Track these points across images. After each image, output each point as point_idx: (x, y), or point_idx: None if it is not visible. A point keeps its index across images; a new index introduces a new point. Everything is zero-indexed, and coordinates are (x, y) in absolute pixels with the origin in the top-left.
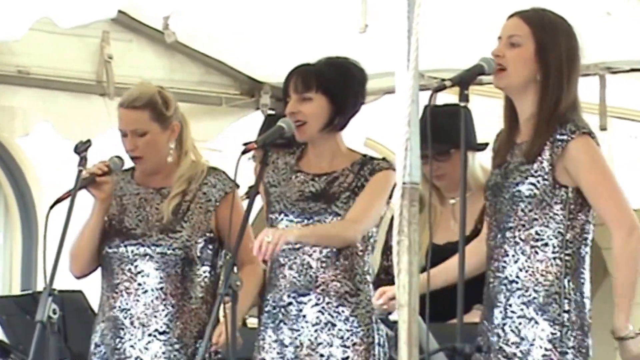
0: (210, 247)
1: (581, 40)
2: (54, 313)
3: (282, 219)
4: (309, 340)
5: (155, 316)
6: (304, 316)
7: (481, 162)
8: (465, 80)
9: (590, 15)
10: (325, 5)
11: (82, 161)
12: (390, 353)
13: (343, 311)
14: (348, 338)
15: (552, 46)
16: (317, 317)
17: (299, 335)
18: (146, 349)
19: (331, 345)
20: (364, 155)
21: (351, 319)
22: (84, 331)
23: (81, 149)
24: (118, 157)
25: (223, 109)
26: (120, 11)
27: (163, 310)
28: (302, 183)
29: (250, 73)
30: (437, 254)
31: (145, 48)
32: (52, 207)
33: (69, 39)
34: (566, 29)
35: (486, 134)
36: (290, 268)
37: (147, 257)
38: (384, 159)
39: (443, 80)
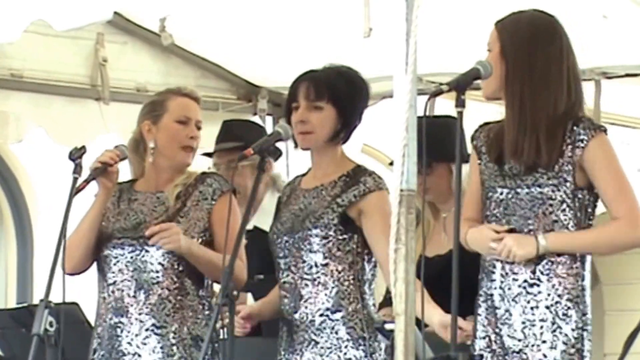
0: (205, 246)
1: (572, 36)
2: (51, 326)
3: (277, 240)
4: (338, 357)
5: (153, 310)
6: (337, 332)
7: (469, 172)
8: (462, 84)
9: (586, 19)
10: (323, 10)
11: (77, 168)
12: None
13: (325, 328)
14: (328, 355)
15: (512, 39)
16: (302, 337)
17: (330, 353)
18: (144, 344)
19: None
20: (356, 166)
21: (332, 335)
22: (80, 344)
23: (76, 155)
24: (124, 145)
25: (220, 114)
26: (115, 12)
27: (160, 305)
28: (295, 200)
29: (247, 77)
30: (426, 267)
31: (140, 51)
32: (71, 197)
33: (63, 42)
34: (531, 19)
35: None
36: (285, 290)
37: (143, 252)
38: (372, 173)
39: (440, 84)
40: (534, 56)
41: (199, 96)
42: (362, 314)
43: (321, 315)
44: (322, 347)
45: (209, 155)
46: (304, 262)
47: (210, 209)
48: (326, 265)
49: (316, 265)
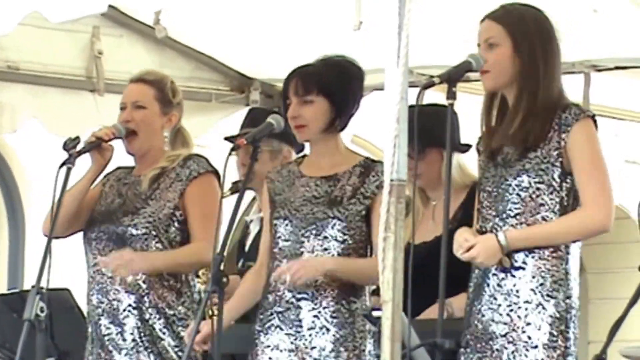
0: (178, 226)
1: (559, 28)
2: (42, 311)
3: (286, 225)
4: (304, 344)
5: (127, 292)
6: (300, 320)
7: (460, 162)
8: (453, 77)
9: (576, 13)
10: (316, 1)
11: (71, 158)
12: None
13: (339, 317)
14: (342, 343)
15: (524, 37)
16: (313, 322)
17: (295, 339)
18: (123, 324)
19: (324, 350)
20: (366, 158)
21: (347, 325)
22: (70, 329)
23: (70, 145)
24: (120, 125)
25: (213, 105)
26: (110, 6)
27: (135, 285)
28: (304, 187)
29: (240, 69)
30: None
31: (136, 43)
32: (61, 166)
33: (58, 34)
34: (534, 15)
35: (473, 131)
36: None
37: (115, 234)
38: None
39: (432, 77)
40: (545, 52)
41: (144, 77)
42: (368, 301)
43: (337, 304)
44: (334, 336)
45: (231, 139)
46: (325, 250)
47: (183, 190)
48: (348, 255)
49: (339, 255)
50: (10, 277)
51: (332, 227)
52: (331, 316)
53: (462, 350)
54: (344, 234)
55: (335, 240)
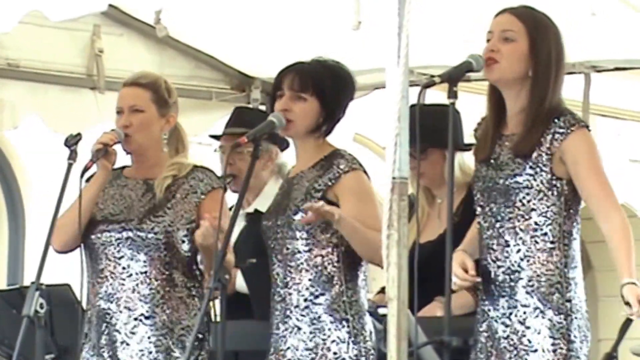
0: (187, 234)
1: (564, 41)
2: (41, 307)
3: (266, 229)
4: (281, 346)
5: (141, 300)
6: (278, 323)
7: (460, 160)
8: (454, 77)
9: (575, 16)
10: (316, 0)
11: (72, 154)
12: (379, 346)
13: (308, 313)
14: (311, 340)
15: (543, 44)
16: (285, 322)
17: (277, 341)
18: (132, 333)
19: (297, 349)
20: (335, 150)
21: (315, 321)
22: (70, 325)
23: (71, 142)
24: (119, 129)
25: (213, 103)
26: (111, 5)
27: (149, 294)
28: (281, 188)
29: (240, 68)
30: (418, 252)
31: (136, 42)
32: (82, 175)
33: (59, 33)
34: (555, 29)
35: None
36: (275, 277)
37: (130, 240)
38: (344, 155)
39: (432, 76)
40: (558, 63)
41: (138, 80)
42: (346, 296)
43: (305, 300)
44: (304, 332)
45: (216, 137)
46: (287, 249)
47: (199, 202)
48: (309, 251)
49: (299, 252)
50: (10, 274)
51: (291, 226)
52: (301, 314)
53: (472, 346)
54: (301, 230)
55: (294, 238)
